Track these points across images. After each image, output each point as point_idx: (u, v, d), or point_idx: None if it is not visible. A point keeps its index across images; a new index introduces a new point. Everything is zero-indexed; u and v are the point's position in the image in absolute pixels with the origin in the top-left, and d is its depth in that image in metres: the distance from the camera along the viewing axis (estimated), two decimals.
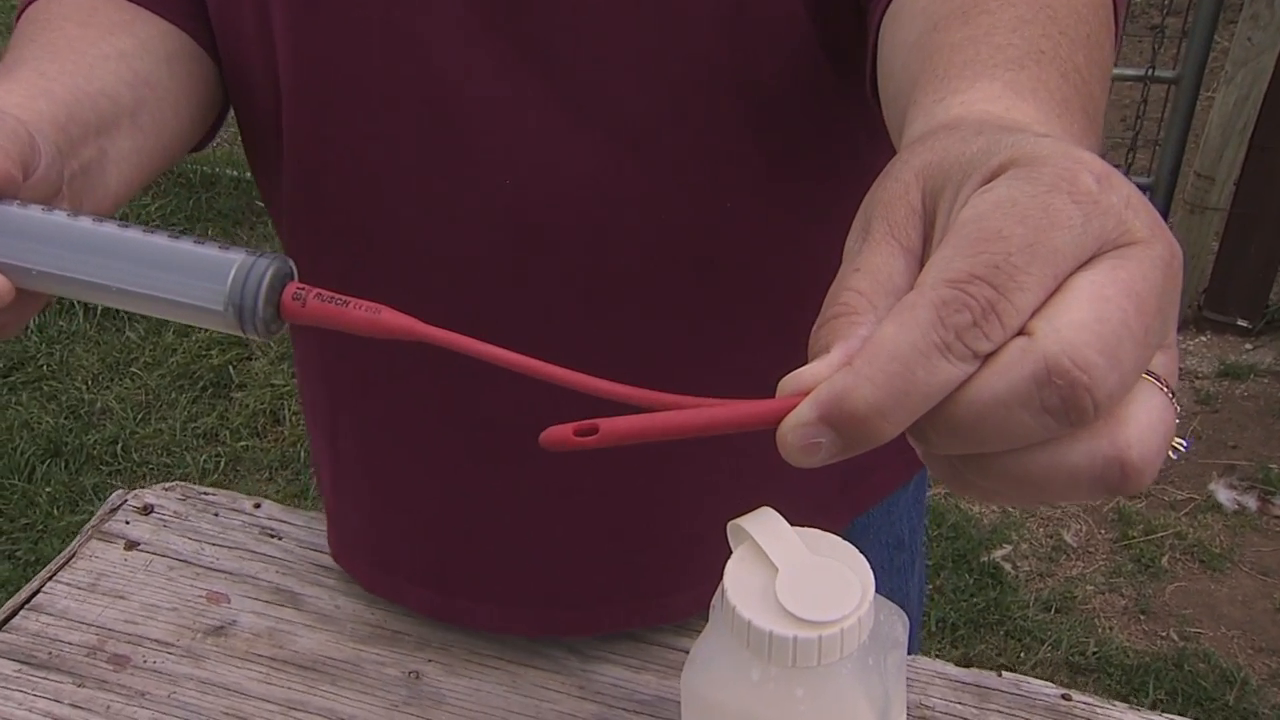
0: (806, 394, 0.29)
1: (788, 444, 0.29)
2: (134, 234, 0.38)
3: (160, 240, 0.38)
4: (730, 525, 0.47)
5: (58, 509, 1.97)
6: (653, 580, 0.67)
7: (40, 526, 1.94)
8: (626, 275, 0.56)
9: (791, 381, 0.30)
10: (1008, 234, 0.27)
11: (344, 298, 0.36)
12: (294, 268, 0.37)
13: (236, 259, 0.37)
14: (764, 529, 0.46)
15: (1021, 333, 0.27)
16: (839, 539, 0.46)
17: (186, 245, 0.38)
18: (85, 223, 0.39)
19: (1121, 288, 0.27)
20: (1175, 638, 1.77)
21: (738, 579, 0.45)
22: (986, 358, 0.27)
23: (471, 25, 0.51)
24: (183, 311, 0.37)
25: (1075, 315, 0.26)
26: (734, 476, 0.64)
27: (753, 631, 0.43)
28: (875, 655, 0.46)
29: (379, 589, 0.70)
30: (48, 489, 2.02)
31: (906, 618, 0.48)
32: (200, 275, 0.37)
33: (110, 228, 0.38)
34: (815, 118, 0.55)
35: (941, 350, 0.27)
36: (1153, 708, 1.63)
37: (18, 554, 1.89)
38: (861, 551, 0.73)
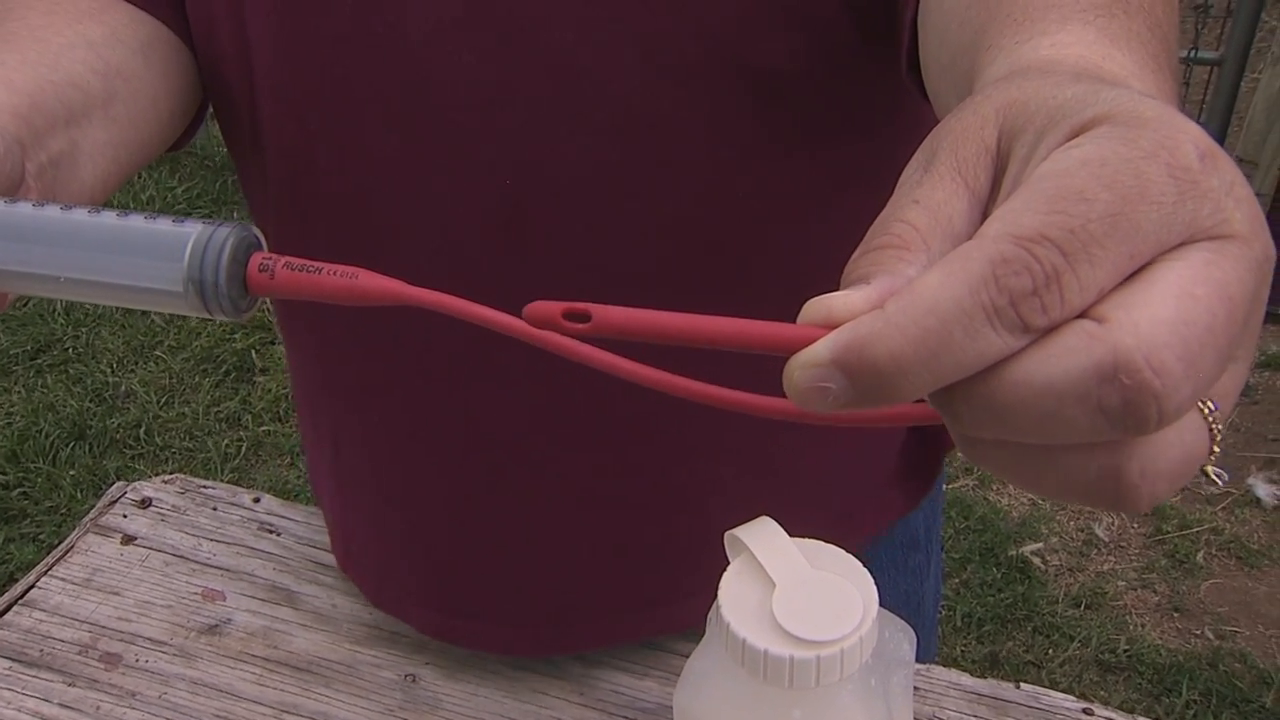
0: (829, 327, 0.25)
1: (794, 381, 0.25)
2: (79, 215, 0.35)
3: (108, 220, 0.34)
4: (727, 536, 0.45)
5: (81, 492, 1.98)
6: (665, 588, 0.64)
7: (64, 510, 1.95)
8: (627, 262, 0.53)
9: (817, 306, 0.26)
10: (1091, 196, 0.23)
11: (316, 264, 0.32)
12: (259, 235, 0.34)
13: (193, 231, 0.33)
14: (761, 540, 0.43)
15: (1085, 316, 0.23)
16: (842, 551, 0.43)
17: (136, 222, 0.34)
18: (24, 208, 0.35)
19: (1214, 288, 0.23)
20: (1210, 636, 1.73)
21: (733, 594, 0.42)
22: (1036, 337, 0.24)
23: (454, 8, 0.48)
24: (141, 297, 0.34)
25: (1158, 310, 0.23)
26: (752, 479, 0.62)
27: (747, 650, 0.40)
28: (878, 675, 0.43)
29: (383, 604, 0.68)
30: (71, 472, 2.02)
31: (914, 634, 0.46)
32: (154, 254, 0.33)
33: (52, 211, 0.35)
34: (831, 93, 0.52)
35: (989, 314, 0.23)
36: (1185, 708, 1.61)
37: (41, 537, 1.90)
38: (872, 552, 0.70)
